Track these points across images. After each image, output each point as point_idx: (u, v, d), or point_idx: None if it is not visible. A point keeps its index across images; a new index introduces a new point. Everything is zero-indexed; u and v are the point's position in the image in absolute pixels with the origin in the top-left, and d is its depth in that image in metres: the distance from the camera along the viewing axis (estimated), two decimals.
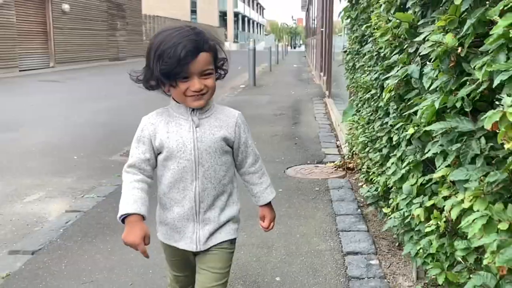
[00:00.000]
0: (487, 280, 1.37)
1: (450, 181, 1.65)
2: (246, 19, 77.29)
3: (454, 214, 1.55)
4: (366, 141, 3.63)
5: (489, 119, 1.10)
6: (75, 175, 5.01)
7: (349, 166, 4.92)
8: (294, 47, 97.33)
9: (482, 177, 1.36)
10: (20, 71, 16.69)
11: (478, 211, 1.24)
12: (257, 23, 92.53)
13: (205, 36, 1.76)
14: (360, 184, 4.21)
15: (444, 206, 1.69)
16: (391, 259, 3.02)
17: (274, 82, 15.21)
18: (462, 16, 1.56)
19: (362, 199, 3.97)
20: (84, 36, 20.96)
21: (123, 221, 1.74)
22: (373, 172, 3.35)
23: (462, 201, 1.45)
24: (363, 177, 3.85)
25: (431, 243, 1.94)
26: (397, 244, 3.18)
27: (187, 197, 1.87)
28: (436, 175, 1.75)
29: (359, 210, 3.79)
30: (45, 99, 10.83)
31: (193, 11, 58.60)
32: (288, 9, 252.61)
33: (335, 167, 5.11)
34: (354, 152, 4.69)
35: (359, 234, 3.33)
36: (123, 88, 12.64)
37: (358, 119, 4.16)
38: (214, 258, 1.93)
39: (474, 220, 1.24)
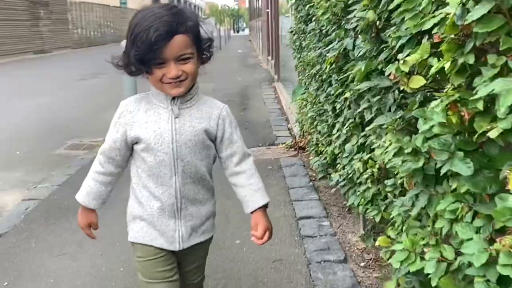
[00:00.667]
0: (405, 201, 1.96)
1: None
2: (182, 1, 77.28)
3: (382, 157, 2.15)
4: (314, 116, 4.23)
5: (388, 70, 1.68)
6: (23, 169, 5.36)
7: (301, 145, 5.53)
8: (238, 31, 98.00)
9: (398, 122, 1.95)
10: None
11: (390, 141, 1.82)
12: (195, 6, 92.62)
13: (183, 16, 1.74)
14: (310, 158, 4.81)
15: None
16: (340, 221, 3.64)
17: (219, 69, 15.69)
18: None
19: (313, 174, 4.58)
20: (4, 28, 20.77)
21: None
22: (322, 144, 3.95)
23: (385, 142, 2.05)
24: (313, 149, 4.45)
25: (369, 188, 2.54)
26: (346, 209, 3.80)
27: (166, 193, 1.87)
28: (368, 128, 2.35)
29: (311, 183, 4.40)
30: None
31: None
32: None
33: (287, 147, 5.71)
34: (304, 131, 5.29)
35: (311, 202, 3.93)
36: (53, 83, 12.95)
37: (307, 96, 4.75)
38: (193, 258, 2.04)
39: (388, 149, 1.82)
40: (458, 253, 1.50)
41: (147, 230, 1.90)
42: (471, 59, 1.26)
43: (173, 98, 1.84)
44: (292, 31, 5.93)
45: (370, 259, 3.03)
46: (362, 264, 3.01)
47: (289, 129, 6.85)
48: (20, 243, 3.44)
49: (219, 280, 2.87)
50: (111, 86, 11.98)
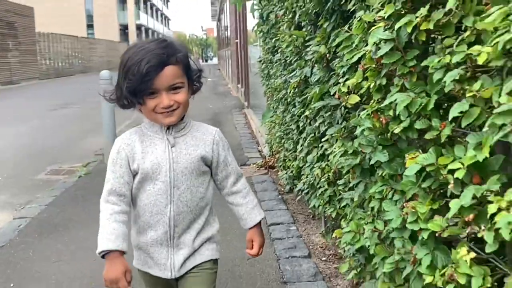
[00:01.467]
0: (350, 193, 2.52)
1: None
2: (150, 31, 77.97)
3: (335, 161, 2.71)
4: (282, 135, 4.82)
5: (334, 91, 2.26)
6: (7, 192, 5.74)
7: (270, 164, 6.09)
8: (206, 60, 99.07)
9: (342, 130, 2.53)
10: None
11: (339, 147, 2.39)
12: (162, 36, 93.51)
13: (173, 48, 1.80)
14: (279, 174, 5.35)
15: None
16: (306, 226, 4.19)
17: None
18: (329, 34, 2.74)
19: (282, 189, 5.13)
20: None
21: (103, 256, 1.78)
22: (289, 159, 4.51)
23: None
24: (281, 165, 5.01)
25: (326, 190, 3.10)
26: (311, 216, 4.34)
27: (160, 221, 1.89)
28: (323, 139, 2.92)
29: (279, 196, 4.94)
30: None
31: (90, 26, 58.59)
32: (197, 19, 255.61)
33: (258, 167, 6.26)
34: (273, 150, 5.85)
35: (280, 211, 4.48)
36: (27, 112, 13.28)
37: (275, 119, 5.34)
38: (196, 281, 1.97)
39: (336, 152, 2.39)
40: (386, 225, 2.06)
41: (144, 258, 1.95)
42: (384, 81, 1.84)
43: (168, 127, 1.89)
44: (261, 61, 6.54)
45: (330, 254, 3.58)
46: (324, 258, 3.56)
47: (259, 151, 7.42)
48: (19, 254, 3.83)
49: None
50: (83, 115, 12.50)
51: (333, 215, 3.05)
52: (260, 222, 2.07)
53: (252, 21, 7.58)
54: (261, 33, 5.88)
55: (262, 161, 6.32)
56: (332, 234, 3.45)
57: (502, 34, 1.14)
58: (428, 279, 1.64)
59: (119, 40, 57.94)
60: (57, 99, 16.75)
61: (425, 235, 1.66)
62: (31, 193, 5.65)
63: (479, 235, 1.31)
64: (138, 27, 68.17)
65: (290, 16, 3.76)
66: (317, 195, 3.37)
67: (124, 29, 64.04)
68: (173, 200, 1.88)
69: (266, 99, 6.81)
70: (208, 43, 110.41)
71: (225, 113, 12.22)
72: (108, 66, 44.27)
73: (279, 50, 4.72)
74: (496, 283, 1.37)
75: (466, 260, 1.42)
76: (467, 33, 1.35)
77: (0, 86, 22.78)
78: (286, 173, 4.62)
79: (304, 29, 3.50)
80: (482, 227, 1.29)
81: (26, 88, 22.20)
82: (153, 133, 1.90)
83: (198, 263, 1.96)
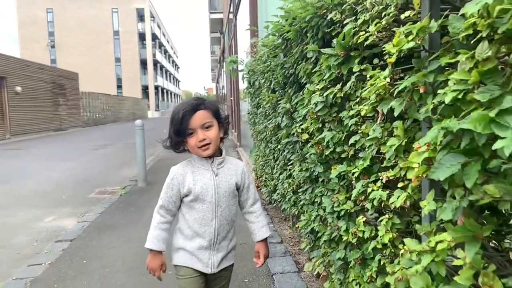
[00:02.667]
0: (305, 195, 3.05)
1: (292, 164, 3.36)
2: (164, 90, 78.33)
3: (296, 176, 3.24)
4: (263, 164, 5.31)
5: (294, 131, 2.83)
6: (70, 206, 6.11)
7: (256, 185, 6.55)
8: None
9: (299, 156, 3.07)
10: None
11: (298, 166, 2.93)
12: (174, 94, 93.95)
13: (202, 100, 1.87)
14: (262, 190, 5.84)
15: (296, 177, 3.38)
16: (280, 224, 4.65)
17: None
18: (291, 97, 3.31)
19: (264, 201, 5.59)
20: (33, 112, 21.03)
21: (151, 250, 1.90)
22: (268, 180, 5.01)
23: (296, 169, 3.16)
24: (263, 184, 5.50)
25: (291, 197, 3.62)
26: (284, 219, 4.82)
27: (207, 232, 1.90)
28: (289, 164, 3.46)
29: (262, 206, 5.38)
30: (17, 162, 11.31)
31: (119, 86, 59.03)
32: (200, 81, 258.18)
33: None
34: (258, 176, 6.34)
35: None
36: (75, 151, 13.65)
37: (259, 153, 5.84)
38: (222, 280, 2.04)
39: (296, 170, 2.93)
40: (324, 211, 2.58)
41: (190, 257, 1.94)
42: (320, 125, 2.39)
43: (212, 161, 1.91)
44: (249, 113, 7.04)
45: (296, 241, 4.05)
46: (291, 244, 4.01)
47: None
48: (86, 243, 4.26)
49: None
50: (116, 153, 12.88)
51: (296, 213, 3.54)
52: (266, 238, 2.08)
53: (242, 85, 8.03)
54: (249, 94, 6.28)
55: None
56: (295, 226, 3.97)
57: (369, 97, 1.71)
58: (345, 238, 2.17)
59: (141, 97, 58.37)
60: (96, 142, 17.01)
61: (342, 212, 2.20)
62: (87, 206, 6.02)
63: (366, 207, 1.85)
64: (156, 87, 68.53)
65: (268, 84, 4.23)
66: (286, 201, 3.86)
67: (145, 88, 64.42)
68: (217, 215, 1.90)
69: (253, 139, 7.29)
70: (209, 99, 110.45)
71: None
72: (134, 117, 45.15)
73: (261, 106, 5.14)
74: (373, 234, 1.89)
75: (361, 223, 1.96)
76: (357, 100, 1.92)
77: (53, 132, 22.97)
78: (266, 190, 5.10)
79: (277, 93, 3.95)
80: (368, 202, 1.83)
81: (72, 134, 22.39)
82: (201, 166, 1.91)
83: (226, 265, 2.00)
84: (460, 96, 1.04)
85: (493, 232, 1.18)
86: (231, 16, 14.13)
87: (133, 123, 7.48)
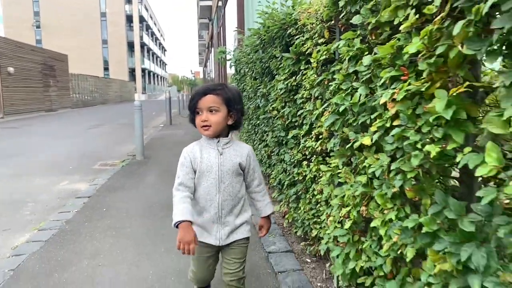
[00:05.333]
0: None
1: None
2: (151, 73, 78.58)
3: (269, 142, 4.33)
4: (247, 138, 6.39)
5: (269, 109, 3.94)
6: (78, 175, 7.08)
7: None
8: None
9: (271, 127, 4.17)
10: None
11: (270, 135, 4.03)
12: (161, 77, 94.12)
13: (220, 86, 2.00)
14: None
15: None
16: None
17: (185, 122, 17.60)
18: (266, 83, 4.38)
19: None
20: (25, 92, 21.57)
21: (176, 226, 1.86)
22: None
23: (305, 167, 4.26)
24: None
25: (266, 161, 4.71)
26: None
27: (212, 206, 2.02)
28: (266, 134, 4.56)
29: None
30: (19, 139, 12.03)
31: (106, 68, 59.29)
32: (187, 64, 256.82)
33: None
34: None
35: None
36: (71, 131, 14.51)
37: (243, 130, 6.92)
38: (234, 252, 2.11)
39: (269, 138, 4.04)
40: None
41: (200, 231, 2.05)
42: (283, 104, 3.51)
43: (218, 141, 2.03)
44: None
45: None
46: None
47: None
48: (102, 199, 5.27)
49: None
50: (110, 132, 13.79)
51: (270, 173, 4.66)
52: (269, 215, 2.23)
53: (229, 71, 8.95)
54: (236, 80, 7.18)
55: None
56: (270, 184, 5.10)
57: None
58: (296, 178, 3.29)
59: (128, 80, 58.74)
60: (89, 122, 17.74)
61: (295, 161, 3.31)
62: (94, 175, 6.98)
63: (306, 153, 2.96)
64: (143, 70, 68.76)
65: (251, 73, 5.25)
66: (263, 163, 4.93)
67: (132, 71, 64.67)
68: (220, 190, 2.01)
69: None
70: (196, 83, 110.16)
71: None
72: (121, 99, 45.68)
73: (245, 90, 6.09)
74: (312, 173, 3.01)
75: (304, 166, 3.08)
76: (303, 88, 3.02)
77: (44, 112, 23.63)
78: None
79: (257, 80, 4.95)
80: (307, 150, 2.94)
81: (63, 115, 22.98)
82: (208, 145, 2.04)
83: (236, 239, 2.10)
84: (340, 87, 2.15)
85: None
86: (220, 3, 14.97)
87: (121, 105, 8.55)
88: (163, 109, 20.56)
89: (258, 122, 4.94)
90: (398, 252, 1.59)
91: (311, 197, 2.96)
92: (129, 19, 62.75)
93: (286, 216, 3.98)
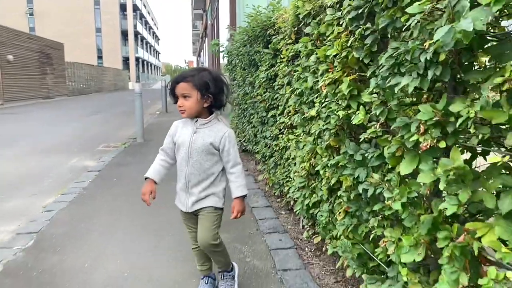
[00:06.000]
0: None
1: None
2: (145, 62, 78.82)
3: (254, 123, 5.20)
4: (237, 122, 7.24)
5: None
6: (84, 154, 7.85)
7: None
8: None
9: (256, 110, 5.04)
10: None
11: (255, 117, 4.89)
12: (154, 66, 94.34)
13: (190, 73, 2.20)
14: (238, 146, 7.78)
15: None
16: (247, 163, 6.63)
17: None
18: (253, 73, 5.24)
19: (243, 156, 7.55)
20: (24, 80, 22.17)
21: (146, 179, 2.30)
22: (240, 133, 6.96)
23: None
24: (238, 140, 7.46)
25: (253, 140, 5.58)
26: (251, 160, 6.80)
27: (182, 176, 2.27)
28: (252, 116, 5.43)
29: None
30: (22, 124, 12.73)
31: (100, 57, 59.52)
32: (181, 53, 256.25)
33: None
34: (232, 129, 8.29)
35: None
36: (70, 117, 15.24)
37: (234, 115, 7.77)
38: (202, 219, 2.31)
39: (254, 119, 4.91)
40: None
41: (177, 197, 2.38)
42: (264, 90, 4.37)
43: (196, 121, 2.23)
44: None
45: (257, 170, 6.04)
46: (253, 172, 6.02)
47: None
48: (110, 172, 6.09)
49: None
50: (108, 118, 14.53)
51: (256, 150, 5.52)
52: (242, 197, 2.30)
53: (222, 61, 9.69)
54: (228, 70, 7.83)
55: None
56: (256, 163, 5.97)
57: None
58: (275, 149, 4.17)
59: (122, 68, 59.16)
60: (86, 110, 18.37)
61: (273, 136, 4.19)
62: (99, 154, 7.75)
63: (281, 129, 3.84)
64: (137, 59, 69.03)
65: (240, 64, 6.04)
66: (250, 142, 5.82)
67: (125, 60, 65.00)
68: (188, 164, 2.24)
69: (230, 106, 9.18)
70: None
71: None
72: (115, 88, 46.25)
73: (236, 79, 6.88)
74: (286, 144, 3.89)
75: (280, 139, 3.96)
76: (279, 76, 3.88)
77: (42, 100, 24.23)
78: (239, 140, 7.06)
79: (246, 70, 5.73)
80: (282, 125, 3.81)
81: (60, 102, 23.58)
82: (188, 124, 2.28)
83: (201, 207, 2.30)
84: (300, 76, 3.00)
85: None
86: None
87: (116, 94, 9.37)
88: (157, 98, 21.21)
89: (246, 106, 5.78)
90: (330, 184, 2.47)
91: (284, 162, 3.84)
92: (123, 7, 62.94)
93: (267, 182, 4.86)
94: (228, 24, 9.07)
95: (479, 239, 1.29)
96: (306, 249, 3.26)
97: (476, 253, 1.29)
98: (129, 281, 2.86)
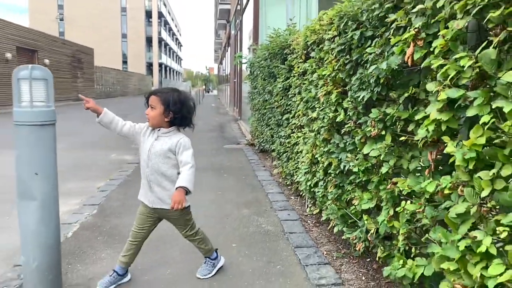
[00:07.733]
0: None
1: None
2: (167, 68, 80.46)
3: (272, 126, 6.17)
4: (256, 126, 8.24)
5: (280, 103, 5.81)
6: (121, 151, 8.91)
7: (252, 143, 9.51)
8: (208, 92, 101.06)
9: (273, 114, 6.01)
10: None
11: (273, 120, 5.87)
12: (176, 71, 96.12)
13: (162, 91, 2.56)
14: (255, 141, 8.76)
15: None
16: (264, 160, 7.60)
17: (203, 114, 19.60)
18: (272, 83, 6.24)
19: (257, 149, 8.53)
20: (57, 83, 23.24)
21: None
22: (259, 133, 7.93)
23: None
24: (255, 138, 8.46)
25: (269, 140, 6.55)
26: (267, 158, 7.76)
27: (144, 175, 2.59)
28: (269, 120, 6.42)
29: (256, 155, 8.33)
30: (66, 123, 13.97)
31: (124, 62, 61.41)
32: (202, 60, 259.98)
33: (245, 145, 9.67)
34: (253, 134, 9.26)
35: (255, 158, 7.89)
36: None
37: (254, 119, 8.76)
38: (172, 220, 2.75)
39: (271, 121, 5.89)
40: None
41: (140, 193, 2.70)
42: (282, 97, 5.35)
43: (158, 130, 2.57)
44: (249, 93, 9.90)
45: (273, 166, 6.99)
46: (270, 167, 6.97)
47: (246, 139, 10.78)
48: (125, 189, 7.19)
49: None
50: (138, 120, 15.51)
51: (273, 148, 6.47)
52: (182, 189, 2.42)
53: (244, 70, 10.67)
54: (250, 79, 8.81)
55: (247, 143, 9.78)
56: (272, 160, 6.93)
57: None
58: (281, 140, 5.15)
59: (145, 74, 60.85)
60: (116, 112, 19.40)
61: (284, 133, 5.17)
62: (135, 150, 8.74)
63: (295, 122, 4.81)
64: (160, 65, 70.66)
65: (261, 75, 7.02)
66: (267, 141, 6.79)
67: (149, 65, 66.70)
68: (149, 165, 2.55)
69: (251, 111, 10.18)
70: (210, 79, 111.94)
71: (226, 123, 15.60)
72: (140, 92, 47.77)
73: (256, 88, 7.85)
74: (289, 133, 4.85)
75: (287, 130, 4.94)
76: (293, 88, 4.85)
77: (72, 102, 25.66)
78: (258, 141, 8.05)
79: (265, 80, 6.71)
80: (296, 119, 4.79)
81: None
82: (152, 131, 2.62)
83: (162, 207, 2.61)
84: (307, 88, 3.96)
85: None
86: (238, 8, 16.70)
87: (141, 98, 9.81)
88: None
89: (265, 111, 6.75)
90: (324, 166, 3.43)
91: (294, 156, 4.80)
92: (148, 14, 64.87)
93: (281, 174, 5.82)
94: (250, 38, 10.11)
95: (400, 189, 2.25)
96: (309, 221, 4.19)
97: (396, 196, 2.24)
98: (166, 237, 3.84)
